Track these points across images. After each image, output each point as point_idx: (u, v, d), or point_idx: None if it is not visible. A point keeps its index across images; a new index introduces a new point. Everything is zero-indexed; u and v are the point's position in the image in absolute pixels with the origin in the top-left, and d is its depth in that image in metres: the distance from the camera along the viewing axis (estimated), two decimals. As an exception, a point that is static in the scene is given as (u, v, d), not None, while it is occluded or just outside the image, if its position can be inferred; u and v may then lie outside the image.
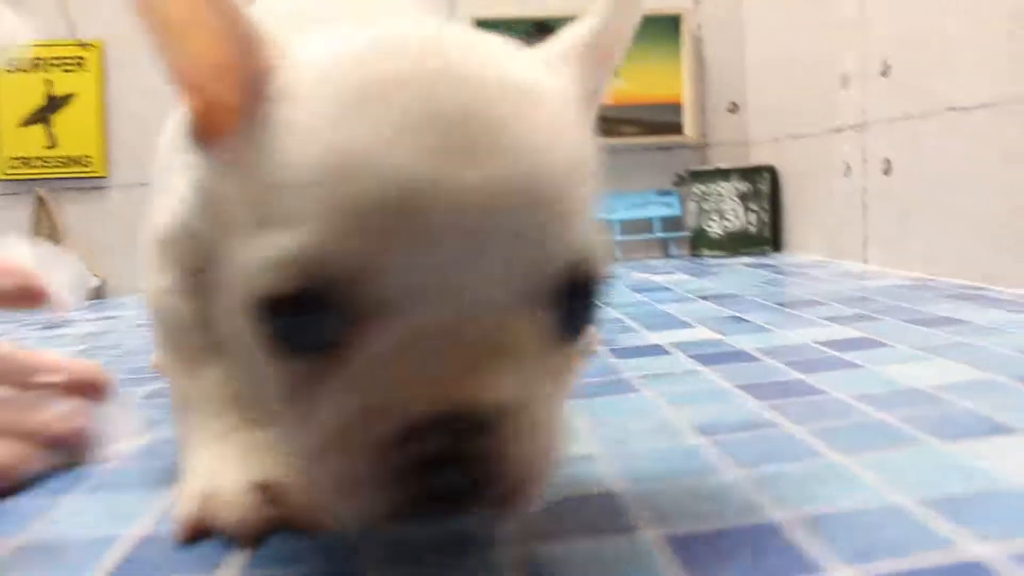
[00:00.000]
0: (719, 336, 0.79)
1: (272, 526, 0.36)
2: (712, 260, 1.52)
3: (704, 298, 1.04)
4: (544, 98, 0.31)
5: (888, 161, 1.22)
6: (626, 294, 1.12)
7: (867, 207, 1.28)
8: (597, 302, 0.32)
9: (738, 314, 0.90)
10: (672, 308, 0.97)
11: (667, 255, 1.67)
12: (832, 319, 0.83)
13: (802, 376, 0.61)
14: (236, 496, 0.36)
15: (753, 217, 1.57)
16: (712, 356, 0.70)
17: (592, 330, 0.33)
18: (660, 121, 1.68)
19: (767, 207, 1.58)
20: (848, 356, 0.67)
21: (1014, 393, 0.53)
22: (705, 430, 0.49)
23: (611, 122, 1.67)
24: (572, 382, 0.34)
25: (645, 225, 1.68)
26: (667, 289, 1.15)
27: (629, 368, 0.67)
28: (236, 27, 0.31)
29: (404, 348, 0.28)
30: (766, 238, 1.58)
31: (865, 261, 1.28)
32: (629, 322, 0.89)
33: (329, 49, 0.31)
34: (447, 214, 0.27)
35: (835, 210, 1.38)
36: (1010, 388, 0.54)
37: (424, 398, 0.27)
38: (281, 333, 0.29)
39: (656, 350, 0.73)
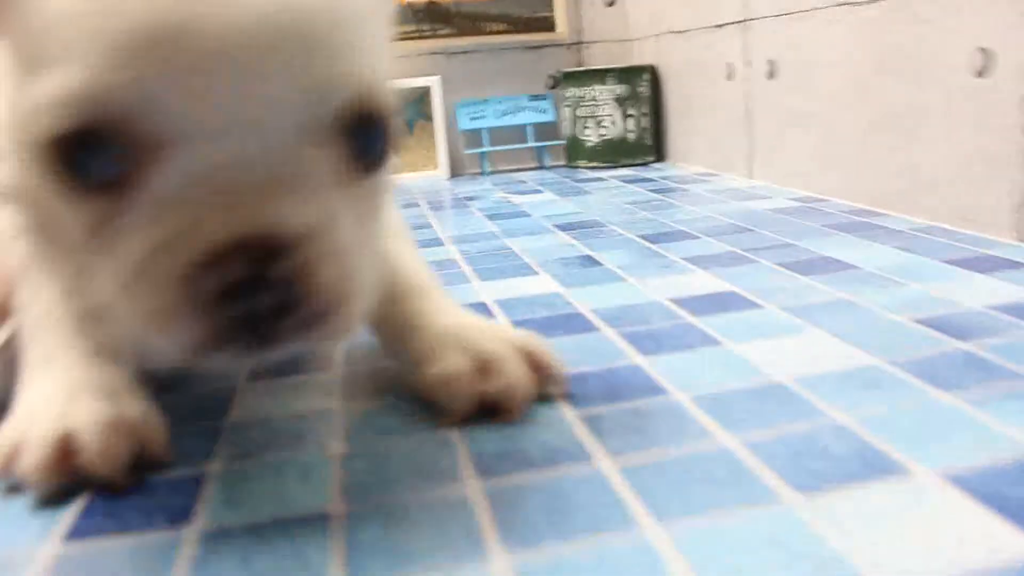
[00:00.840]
0: (560, 289, 0.65)
1: (72, 480, 0.36)
2: (588, 173, 1.38)
3: (563, 228, 0.90)
4: None
5: (772, 63, 1.08)
6: (474, 222, 0.98)
7: (751, 115, 1.15)
8: (387, 136, 0.33)
9: (593, 253, 0.77)
10: (521, 244, 0.83)
11: (541, 166, 1.52)
12: (700, 261, 0.71)
13: (640, 360, 0.48)
14: (38, 450, 0.36)
15: (632, 123, 1.43)
16: (545, 322, 0.57)
17: (390, 164, 0.34)
18: (529, 17, 1.52)
19: (648, 112, 1.43)
20: (705, 325, 0.54)
21: (897, 390, 0.41)
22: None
23: (474, 18, 1.49)
24: (376, 215, 0.34)
25: (517, 134, 1.52)
26: (524, 215, 1.00)
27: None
28: None
29: (196, 180, 0.28)
30: (648, 147, 1.44)
31: (751, 176, 1.15)
32: (462, 266, 0.74)
33: None
34: (217, 43, 0.27)
35: (719, 117, 1.24)
36: (893, 382, 0.42)
37: (222, 225, 0.28)
38: (69, 173, 0.29)
39: (479, 310, 0.59)
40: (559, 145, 1.52)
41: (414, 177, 1.47)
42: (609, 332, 0.54)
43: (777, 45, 1.07)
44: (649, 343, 0.51)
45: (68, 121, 0.28)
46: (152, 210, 0.29)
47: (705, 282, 0.64)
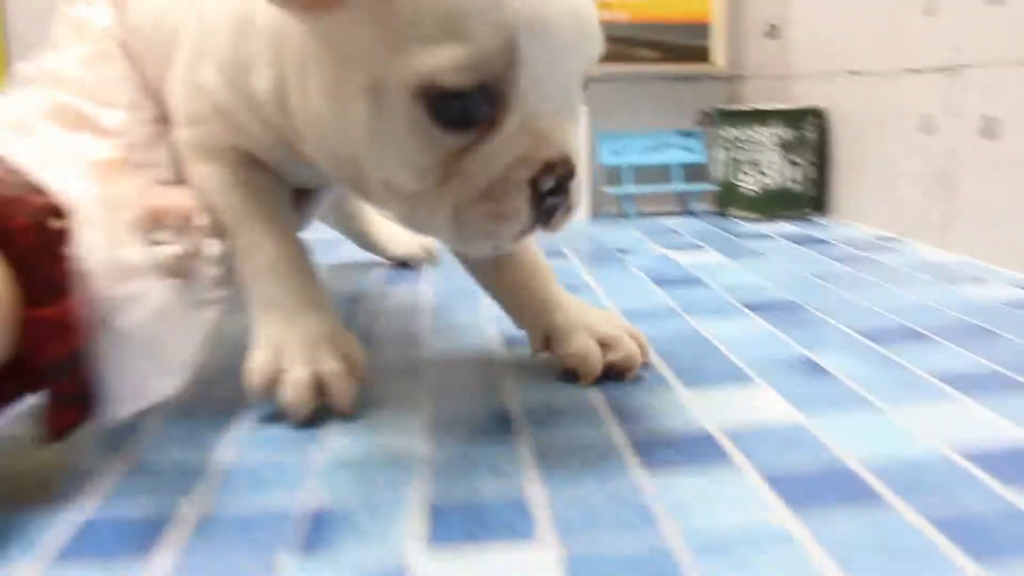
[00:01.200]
0: (798, 415, 0.51)
1: (317, 412, 0.52)
2: (746, 226, 1.23)
3: (754, 308, 0.76)
4: None
5: (989, 119, 0.93)
6: (639, 287, 0.84)
7: (954, 176, 0.99)
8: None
9: (811, 355, 0.63)
10: (713, 329, 0.69)
11: (687, 211, 1.37)
12: (956, 381, 0.57)
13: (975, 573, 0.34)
14: (296, 385, 0.51)
15: (797, 172, 1.27)
16: (807, 479, 0.43)
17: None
18: (682, 44, 1.38)
19: (814, 160, 1.28)
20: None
21: None
22: None
23: (624, 43, 1.36)
24: None
25: (661, 173, 1.38)
26: (697, 282, 0.86)
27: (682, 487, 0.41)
28: None
29: (535, 122, 0.44)
30: (809, 198, 1.29)
31: (944, 245, 1.00)
32: (662, 369, 0.61)
33: None
34: (561, 44, 0.44)
35: (905, 174, 1.08)
36: None
37: (551, 150, 0.44)
38: (447, 116, 0.43)
39: (705, 443, 0.46)
40: (708, 191, 1.37)
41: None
42: (905, 511, 0.40)
43: (997, 98, 0.91)
44: (971, 537, 0.37)
45: (468, 78, 0.42)
46: (503, 142, 0.44)
47: (986, 423, 0.50)
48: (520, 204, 0.45)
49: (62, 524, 0.40)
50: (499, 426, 0.51)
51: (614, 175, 1.37)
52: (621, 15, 1.36)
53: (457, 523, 0.40)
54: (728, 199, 1.33)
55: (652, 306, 0.78)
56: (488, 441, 0.49)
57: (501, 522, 0.40)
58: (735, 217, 1.30)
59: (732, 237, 1.13)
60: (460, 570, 0.36)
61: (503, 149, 0.44)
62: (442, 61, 0.42)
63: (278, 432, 0.51)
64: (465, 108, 0.43)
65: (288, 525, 0.40)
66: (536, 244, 0.63)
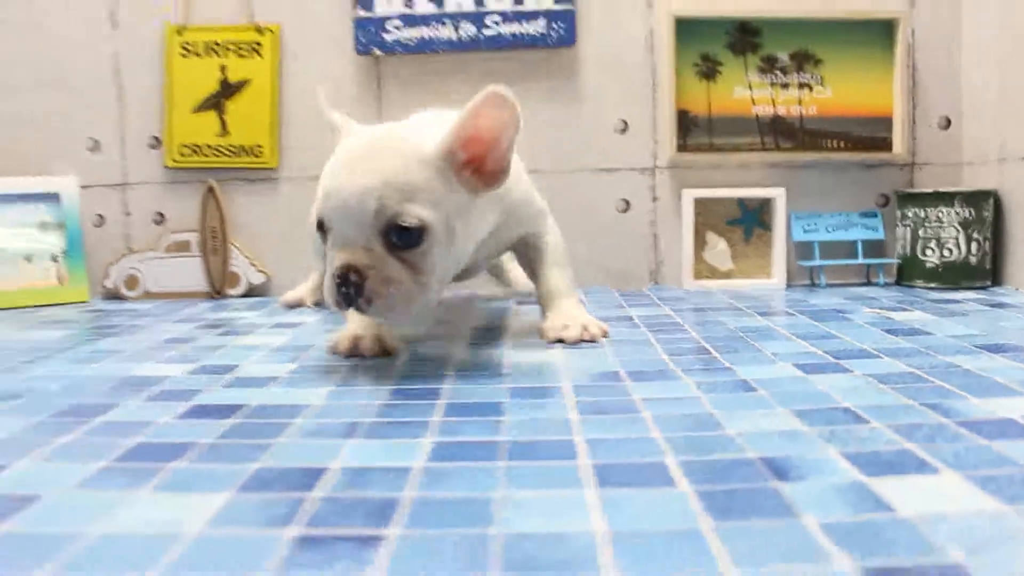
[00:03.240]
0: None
1: (378, 353, 0.95)
2: (932, 294, 1.38)
3: (993, 350, 0.90)
4: (397, 154, 0.83)
5: None
6: (878, 335, 0.99)
7: None
8: (409, 234, 0.81)
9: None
10: (969, 361, 0.84)
11: (868, 282, 1.53)
12: None
13: None
14: (365, 337, 0.96)
15: (975, 247, 1.43)
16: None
17: (417, 248, 0.82)
18: (867, 136, 1.55)
19: (988, 236, 1.44)
20: None
21: None
22: None
23: (814, 135, 1.54)
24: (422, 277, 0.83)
25: (846, 248, 1.54)
26: (923, 332, 1.02)
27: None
28: None
29: (335, 244, 0.82)
30: (986, 271, 1.44)
31: None
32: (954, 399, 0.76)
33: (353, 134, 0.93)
34: (339, 200, 0.81)
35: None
36: None
37: (342, 260, 0.81)
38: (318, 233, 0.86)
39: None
40: (890, 264, 1.53)
41: (746, 284, 1.51)
42: None
43: None
44: None
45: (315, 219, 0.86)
46: (328, 251, 0.84)
47: None
48: (328, 287, 0.82)
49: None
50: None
51: (805, 251, 1.54)
52: (812, 110, 1.54)
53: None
54: (910, 271, 1.49)
55: (898, 347, 0.93)
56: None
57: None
58: (918, 287, 1.46)
59: (927, 302, 1.29)
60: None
61: (328, 257, 0.84)
62: (317, 207, 0.85)
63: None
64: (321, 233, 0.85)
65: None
66: (555, 240, 1.10)
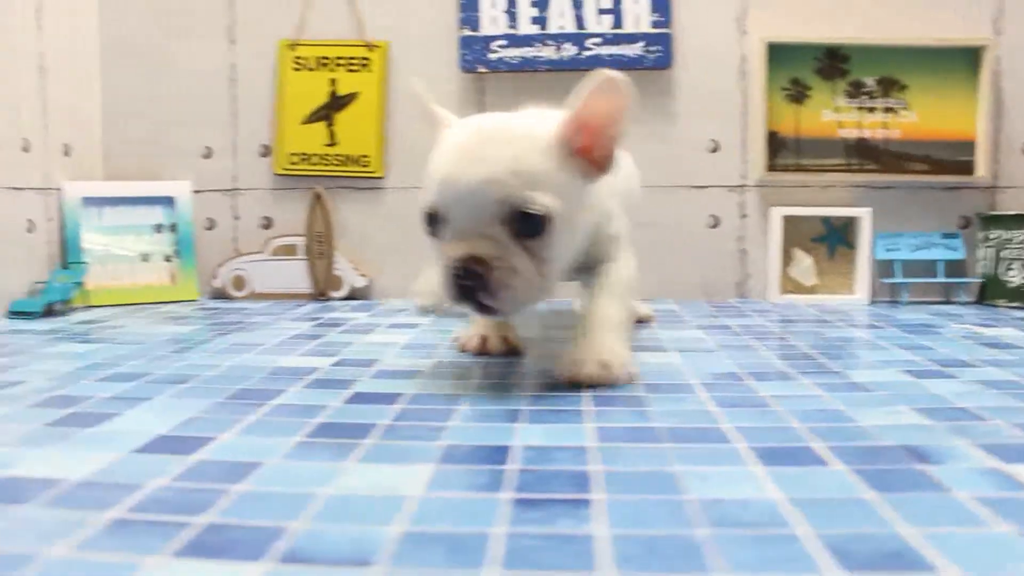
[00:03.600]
0: None
1: (504, 352, 1.01)
2: (1014, 313, 1.43)
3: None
4: (516, 140, 0.79)
5: None
6: (975, 348, 1.05)
7: None
8: (534, 221, 0.78)
9: None
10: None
11: (949, 300, 1.59)
12: None
13: None
14: (492, 336, 1.02)
15: (1057, 268, 1.48)
16: None
17: (540, 237, 0.79)
18: (950, 159, 1.60)
19: (1069, 258, 1.49)
20: None
21: None
22: None
23: (898, 157, 1.59)
24: (543, 264, 0.80)
25: (927, 268, 1.60)
26: (1018, 347, 1.07)
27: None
28: None
29: (452, 234, 0.79)
30: (1065, 292, 1.49)
31: None
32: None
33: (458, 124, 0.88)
34: (459, 189, 0.78)
35: None
36: None
37: (455, 254, 0.78)
38: (427, 227, 0.83)
39: None
40: (972, 283, 1.58)
41: (830, 299, 1.57)
42: None
43: None
44: None
45: (424, 208, 0.82)
46: (443, 245, 0.80)
47: None
48: (447, 280, 0.78)
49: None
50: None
51: (885, 267, 1.60)
52: (897, 133, 1.59)
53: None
54: (992, 291, 1.54)
55: (996, 358, 0.99)
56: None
57: None
58: (1000, 306, 1.51)
59: (1013, 320, 1.34)
60: None
61: (442, 250, 0.80)
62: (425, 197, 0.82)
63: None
64: (432, 223, 0.82)
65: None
66: (615, 300, 0.92)
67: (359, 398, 0.79)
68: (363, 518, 0.49)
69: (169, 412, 0.74)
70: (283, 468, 0.59)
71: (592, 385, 0.83)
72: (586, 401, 0.77)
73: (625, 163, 1.03)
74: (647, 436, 0.65)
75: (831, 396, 0.79)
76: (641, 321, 1.27)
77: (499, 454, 0.61)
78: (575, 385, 0.83)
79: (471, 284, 0.77)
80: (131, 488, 0.54)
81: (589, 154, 0.82)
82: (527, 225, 0.77)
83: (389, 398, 0.79)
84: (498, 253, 0.77)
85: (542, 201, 0.77)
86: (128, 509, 0.50)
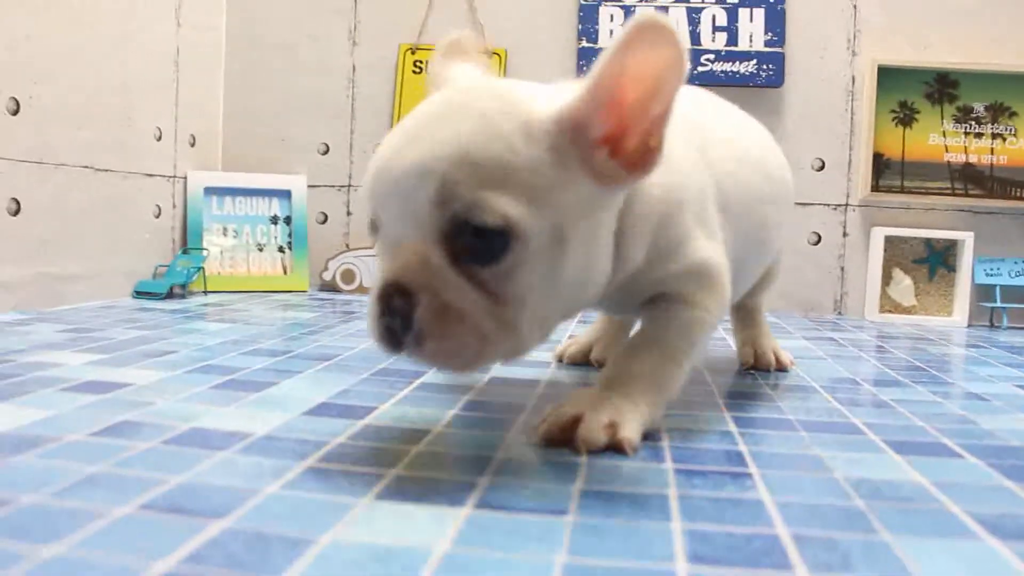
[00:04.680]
0: None
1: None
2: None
3: None
4: (487, 116, 0.52)
5: None
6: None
7: None
8: (489, 240, 0.50)
9: None
10: None
11: (1047, 327, 1.60)
12: None
13: None
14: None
15: None
16: None
17: (497, 264, 0.51)
18: (1055, 188, 1.61)
19: None
20: None
21: None
22: None
23: (1003, 183, 1.61)
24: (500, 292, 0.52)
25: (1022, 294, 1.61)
26: None
27: None
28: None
29: (382, 252, 0.54)
30: None
31: None
32: None
33: None
34: (388, 182, 0.53)
35: None
36: None
37: (386, 274, 0.52)
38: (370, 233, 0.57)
39: None
40: (1072, 311, 1.60)
41: (928, 320, 1.59)
42: None
43: None
44: None
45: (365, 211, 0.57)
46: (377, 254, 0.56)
47: None
48: (371, 317, 0.53)
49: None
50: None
51: (984, 292, 1.61)
52: (1003, 159, 1.61)
53: None
54: (1094, 320, 1.55)
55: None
56: None
57: None
58: (1101, 335, 1.52)
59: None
60: None
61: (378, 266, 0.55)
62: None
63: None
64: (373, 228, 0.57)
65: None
66: (667, 362, 0.65)
67: (497, 382, 0.85)
68: (542, 477, 0.54)
69: (322, 384, 0.80)
70: (453, 434, 0.64)
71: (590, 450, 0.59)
72: (719, 395, 0.82)
73: (752, 144, 0.83)
74: (785, 426, 0.70)
75: (948, 403, 0.82)
76: (780, 369, 0.98)
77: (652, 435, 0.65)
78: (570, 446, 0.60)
79: (392, 325, 0.51)
80: (317, 443, 0.59)
81: (619, 144, 0.54)
82: (478, 244, 0.50)
83: (530, 384, 0.85)
84: (427, 280, 0.50)
85: (502, 210, 0.49)
86: (319, 460, 0.55)
